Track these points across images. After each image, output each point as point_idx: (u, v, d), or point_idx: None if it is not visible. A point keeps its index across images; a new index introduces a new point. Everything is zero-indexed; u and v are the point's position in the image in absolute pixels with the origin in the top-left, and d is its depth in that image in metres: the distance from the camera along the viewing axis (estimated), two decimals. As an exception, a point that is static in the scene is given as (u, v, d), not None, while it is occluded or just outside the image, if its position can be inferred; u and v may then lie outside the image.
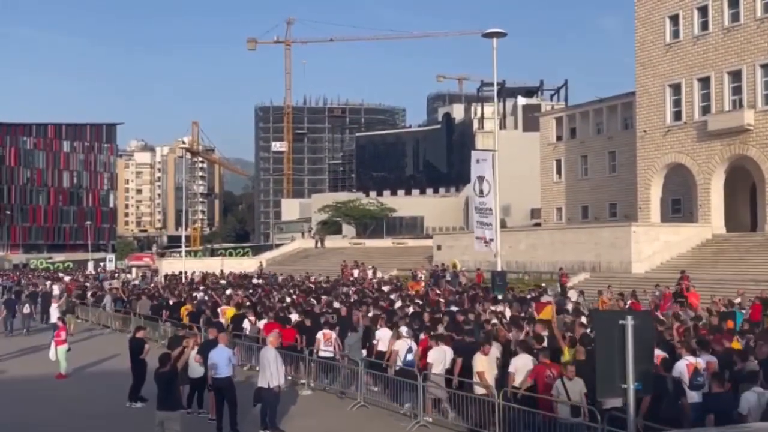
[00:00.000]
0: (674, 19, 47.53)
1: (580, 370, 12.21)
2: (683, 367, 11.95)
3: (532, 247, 46.83)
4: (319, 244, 76.00)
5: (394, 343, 16.44)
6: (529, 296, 26.53)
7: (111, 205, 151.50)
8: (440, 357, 14.98)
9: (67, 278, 57.48)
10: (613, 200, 59.20)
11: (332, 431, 15.35)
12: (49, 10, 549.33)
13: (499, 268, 28.54)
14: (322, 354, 18.18)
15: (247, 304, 25.64)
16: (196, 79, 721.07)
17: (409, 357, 15.90)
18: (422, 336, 16.89)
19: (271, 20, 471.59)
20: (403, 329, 17.09)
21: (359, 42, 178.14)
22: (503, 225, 48.30)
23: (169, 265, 64.33)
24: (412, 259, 56.16)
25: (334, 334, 18.61)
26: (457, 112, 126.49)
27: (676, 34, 47.46)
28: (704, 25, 45.71)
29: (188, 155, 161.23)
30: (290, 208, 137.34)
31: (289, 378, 18.52)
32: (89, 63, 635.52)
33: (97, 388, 19.79)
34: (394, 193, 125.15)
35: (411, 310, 22.44)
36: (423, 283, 37.11)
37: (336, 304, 24.69)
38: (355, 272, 47.91)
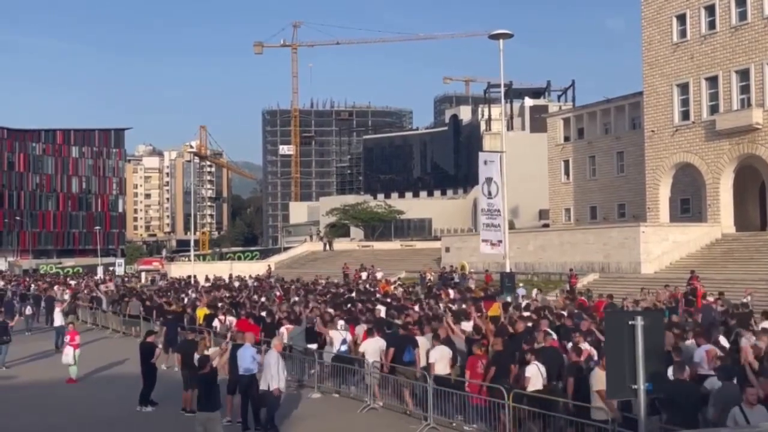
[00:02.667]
0: (681, 18, 47.40)
1: (495, 360, 13.93)
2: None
3: (540, 248, 46.75)
4: (327, 247, 76.08)
5: (330, 335, 18.67)
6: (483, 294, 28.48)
7: (120, 209, 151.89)
8: (374, 347, 16.78)
9: (72, 282, 58.12)
10: (622, 200, 59.04)
11: (342, 434, 15.38)
12: (58, 20, 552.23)
13: (507, 270, 28.47)
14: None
15: (220, 304, 27.04)
16: (203, 83, 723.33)
17: (343, 348, 18.12)
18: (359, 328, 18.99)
19: (278, 24, 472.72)
20: (340, 323, 19.25)
21: (366, 45, 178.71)
22: (511, 226, 48.26)
23: (179, 269, 64.56)
24: (421, 262, 56.07)
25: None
26: (465, 113, 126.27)
27: (683, 33, 47.32)
28: (711, 24, 45.57)
29: (196, 159, 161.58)
30: (298, 211, 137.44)
31: (297, 382, 18.71)
32: (96, 69, 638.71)
33: (107, 392, 19.87)
34: (401, 195, 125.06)
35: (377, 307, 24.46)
36: (393, 286, 38.18)
37: (311, 304, 25.87)
38: (363, 275, 47.97)
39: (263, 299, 30.80)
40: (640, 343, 8.59)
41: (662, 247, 41.55)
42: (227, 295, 33.92)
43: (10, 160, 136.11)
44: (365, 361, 16.75)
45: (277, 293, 34.72)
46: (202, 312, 25.68)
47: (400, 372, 15.88)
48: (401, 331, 17.25)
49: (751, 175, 46.40)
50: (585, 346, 14.18)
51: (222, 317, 23.64)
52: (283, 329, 20.12)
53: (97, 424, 16.40)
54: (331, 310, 22.57)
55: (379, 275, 47.12)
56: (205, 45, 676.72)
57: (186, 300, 32.00)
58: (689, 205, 51.73)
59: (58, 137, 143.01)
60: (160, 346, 19.47)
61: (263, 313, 23.46)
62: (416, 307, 23.42)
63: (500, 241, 27.45)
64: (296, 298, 29.42)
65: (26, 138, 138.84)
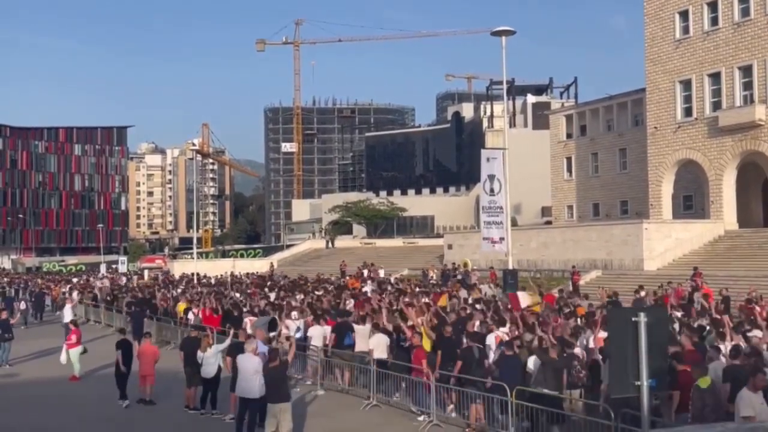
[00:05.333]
0: (684, 14, 47.31)
1: (442, 345, 15.29)
2: (492, 338, 15.83)
3: (543, 245, 46.72)
4: (329, 245, 76.05)
5: (286, 324, 20.25)
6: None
7: (122, 207, 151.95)
8: (319, 333, 19.07)
9: (75, 280, 58.74)
10: (625, 197, 58.97)
11: (346, 431, 15.37)
12: (60, 19, 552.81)
13: (510, 267, 28.43)
14: None
15: (196, 298, 28.58)
16: (205, 81, 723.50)
17: (298, 335, 19.55)
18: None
19: (280, 21, 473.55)
20: (294, 314, 21.07)
21: (368, 42, 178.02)
22: (514, 223, 48.20)
23: (181, 267, 64.51)
24: (423, 259, 56.06)
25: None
26: (467, 110, 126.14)
27: (685, 29, 47.24)
28: (714, 21, 45.48)
29: (199, 157, 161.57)
30: (301, 209, 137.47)
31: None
32: (98, 67, 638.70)
33: (110, 389, 19.79)
34: (404, 192, 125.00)
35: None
36: (360, 281, 39.08)
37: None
38: (365, 272, 47.87)
39: (237, 293, 31.80)
40: (644, 340, 8.58)
41: (665, 244, 41.51)
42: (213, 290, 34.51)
43: (13, 158, 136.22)
44: (308, 346, 19.06)
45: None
46: (182, 306, 27.28)
47: (337, 354, 18.19)
48: (338, 319, 19.64)
49: (753, 171, 46.33)
50: (499, 332, 16.09)
51: (196, 310, 24.98)
52: (246, 320, 20.88)
53: (100, 421, 16.42)
54: (293, 302, 24.52)
55: (381, 273, 47.07)
56: (207, 43, 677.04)
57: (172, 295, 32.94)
58: (692, 201, 51.66)
59: (61, 135, 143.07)
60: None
61: (231, 306, 24.77)
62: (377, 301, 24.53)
63: (502, 239, 27.41)
64: (272, 293, 30.37)
65: (29, 136, 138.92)
